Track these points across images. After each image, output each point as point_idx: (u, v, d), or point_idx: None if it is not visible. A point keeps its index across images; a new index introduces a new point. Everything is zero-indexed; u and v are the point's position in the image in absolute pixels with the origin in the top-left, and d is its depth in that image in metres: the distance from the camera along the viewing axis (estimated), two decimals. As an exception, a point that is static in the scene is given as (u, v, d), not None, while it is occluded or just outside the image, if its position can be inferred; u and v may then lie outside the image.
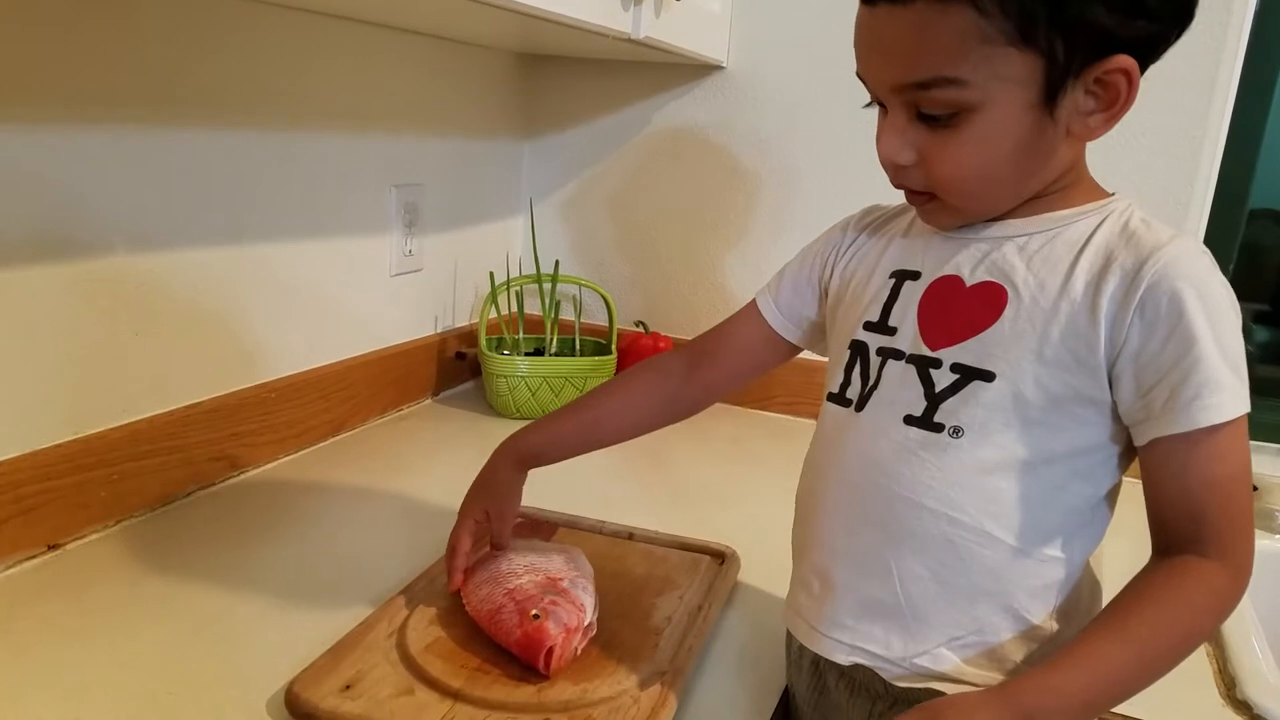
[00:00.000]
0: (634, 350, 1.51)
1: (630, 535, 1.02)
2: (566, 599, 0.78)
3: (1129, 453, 0.65)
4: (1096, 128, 0.61)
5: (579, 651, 0.76)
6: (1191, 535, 0.60)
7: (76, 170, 0.93)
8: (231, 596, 0.89)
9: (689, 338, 1.55)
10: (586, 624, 0.78)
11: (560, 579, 0.81)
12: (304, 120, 1.20)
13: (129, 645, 0.80)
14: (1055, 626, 0.66)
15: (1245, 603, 0.72)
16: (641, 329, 1.56)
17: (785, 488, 0.79)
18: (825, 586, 0.71)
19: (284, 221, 1.20)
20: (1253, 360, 1.65)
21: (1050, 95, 0.59)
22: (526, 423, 0.90)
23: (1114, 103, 0.60)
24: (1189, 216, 1.29)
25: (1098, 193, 0.67)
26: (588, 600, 0.80)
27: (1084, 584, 0.67)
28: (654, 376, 0.87)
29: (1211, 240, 1.35)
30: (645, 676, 0.76)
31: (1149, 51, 0.60)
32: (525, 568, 0.82)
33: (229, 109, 1.09)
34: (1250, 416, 0.60)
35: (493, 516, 0.87)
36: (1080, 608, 0.67)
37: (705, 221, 1.57)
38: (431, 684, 0.74)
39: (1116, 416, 0.63)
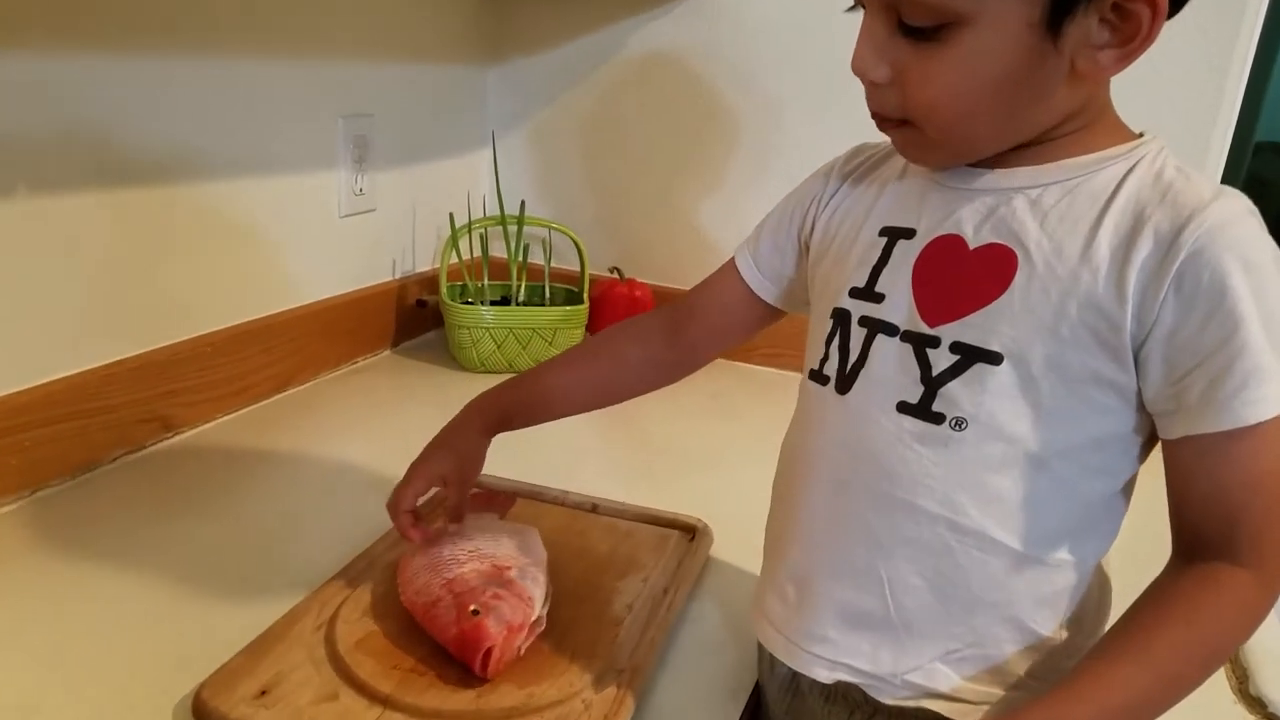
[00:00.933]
0: (608, 299, 1.41)
1: (594, 508, 0.94)
2: (512, 591, 0.69)
3: (1151, 441, 0.56)
4: (1107, 66, 0.51)
5: (522, 651, 0.68)
6: (1224, 539, 0.52)
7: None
8: (148, 578, 0.80)
9: (668, 285, 1.49)
10: (534, 619, 0.69)
11: (508, 568, 0.72)
12: (236, 45, 1.08)
13: (25, 636, 0.72)
14: (1064, 635, 0.58)
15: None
16: (616, 275, 1.46)
17: (767, 449, 0.70)
18: (803, 593, 0.63)
19: (217, 156, 1.09)
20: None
21: (1057, 16, 0.49)
22: (495, 379, 0.80)
23: (1133, 37, 0.50)
24: (1210, 153, 1.19)
25: (1124, 133, 0.57)
26: (537, 592, 0.71)
27: (1095, 586, 0.59)
28: (634, 338, 0.78)
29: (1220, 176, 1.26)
30: (600, 675, 0.68)
31: None
32: (469, 554, 0.73)
33: (148, 30, 0.98)
34: None
35: (451, 482, 0.77)
36: (1091, 613, 0.59)
37: (686, 159, 1.46)
38: (359, 688, 0.66)
39: (1142, 404, 0.54)
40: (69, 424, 0.94)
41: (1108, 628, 0.60)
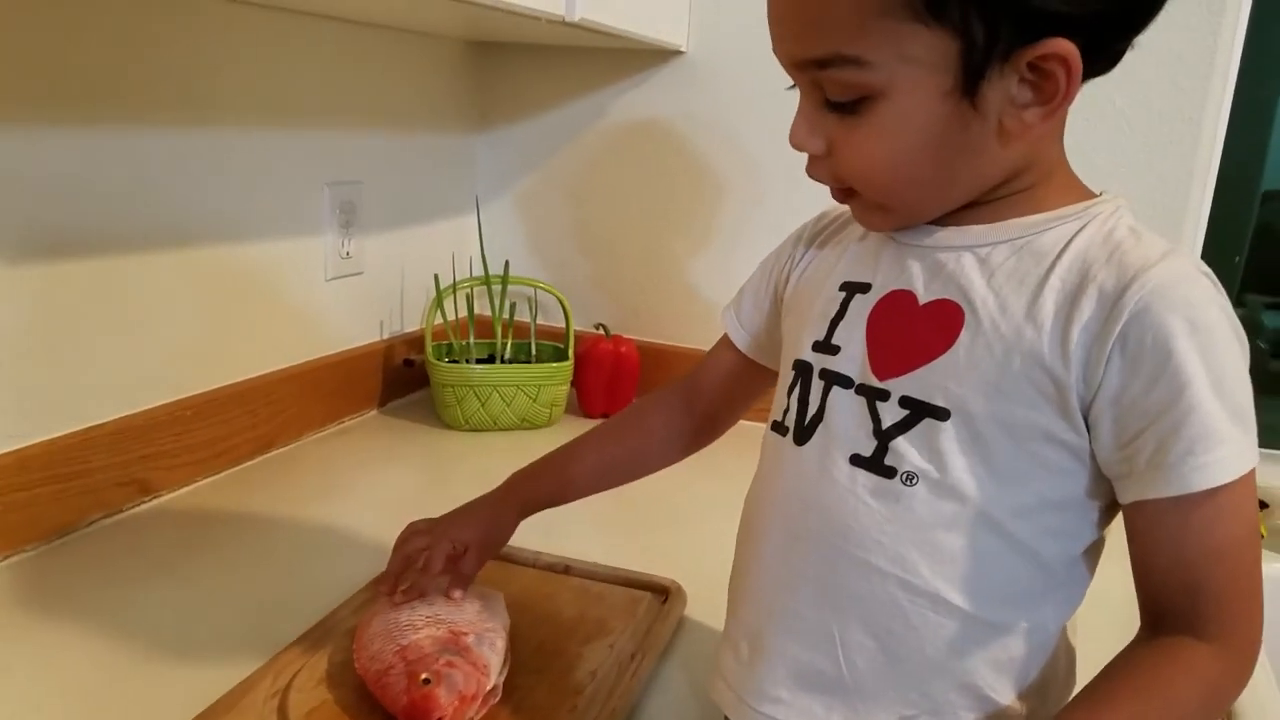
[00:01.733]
0: (593, 355, 1.41)
1: (567, 569, 0.93)
2: (467, 659, 0.68)
3: (1113, 506, 0.55)
4: (1033, 124, 0.52)
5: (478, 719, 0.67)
6: (1187, 610, 0.51)
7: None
8: (113, 644, 0.80)
9: (654, 341, 1.50)
10: (490, 688, 0.68)
11: (465, 634, 0.71)
12: (222, 115, 1.10)
13: (-17, 704, 0.72)
14: (1025, 707, 0.57)
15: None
16: (602, 332, 1.46)
17: None
18: (755, 650, 0.62)
19: (203, 221, 1.10)
20: (1263, 356, 1.55)
21: (971, 82, 0.50)
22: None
23: (1052, 95, 0.50)
24: (1189, 202, 1.18)
25: (1078, 193, 0.57)
26: (494, 659, 0.70)
27: (1058, 655, 0.58)
28: (657, 412, 0.80)
29: (1221, 225, 1.25)
30: (557, 747, 0.67)
31: (1095, 35, 0.50)
32: (427, 619, 0.73)
33: (143, 104, 1.00)
34: (1258, 419, 0.51)
35: (473, 547, 0.77)
36: (1055, 684, 0.58)
37: (668, 218, 1.47)
38: (308, 759, 0.65)
39: (1097, 465, 0.53)
40: (44, 489, 0.94)
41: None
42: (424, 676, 0.66)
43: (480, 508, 0.80)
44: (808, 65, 0.53)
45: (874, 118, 0.52)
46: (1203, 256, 1.25)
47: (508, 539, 0.80)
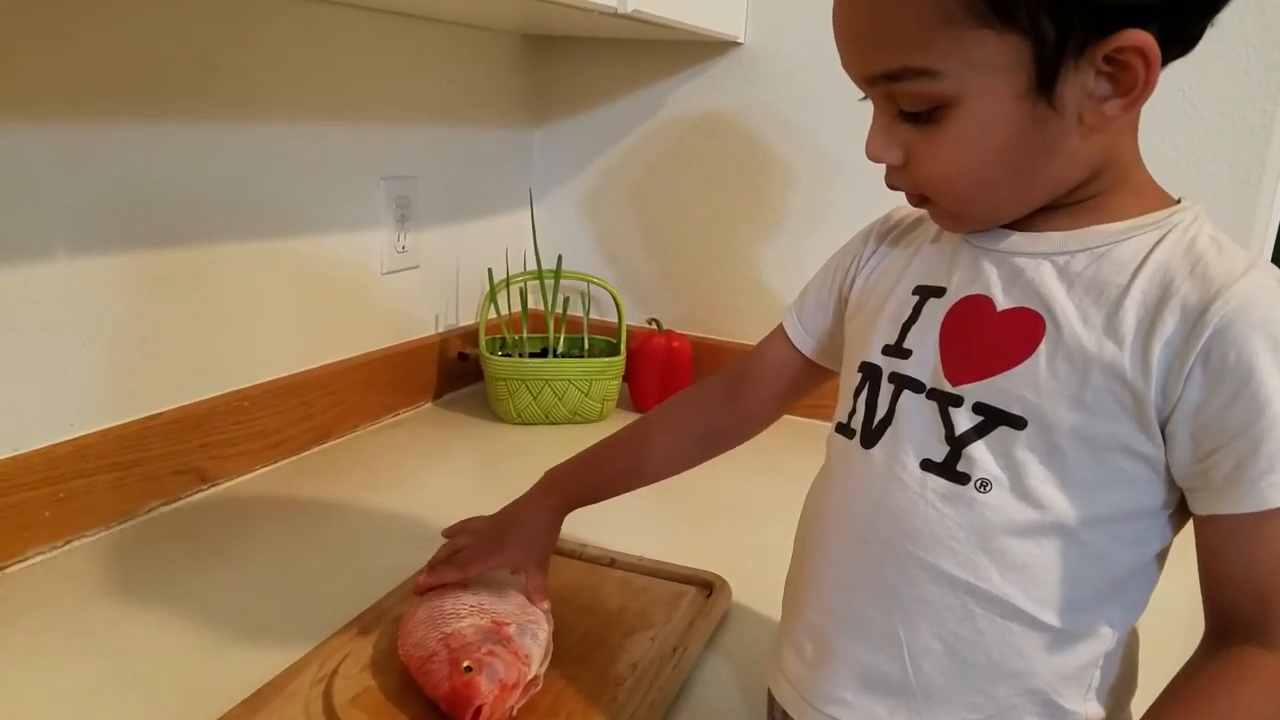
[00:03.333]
0: (645, 350, 1.41)
1: (612, 561, 0.92)
2: (509, 648, 0.68)
3: (1184, 512, 0.54)
4: (1114, 116, 0.50)
5: (515, 710, 0.67)
6: (1255, 620, 0.50)
7: (34, 167, 0.88)
8: (168, 628, 0.81)
9: (706, 337, 1.49)
10: (531, 678, 0.68)
11: (507, 624, 0.71)
12: (280, 111, 1.12)
13: (47, 680, 0.74)
14: (1091, 711, 0.56)
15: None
16: (655, 327, 1.45)
17: (799, 502, 0.68)
18: (821, 652, 0.61)
19: (260, 216, 1.12)
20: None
21: (1046, 82, 0.49)
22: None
23: (1132, 87, 0.49)
24: (1260, 193, 1.14)
25: (1157, 199, 0.55)
26: (535, 650, 0.70)
27: (1124, 658, 0.57)
28: (693, 408, 0.80)
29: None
30: (596, 737, 0.67)
31: (1172, 21, 0.49)
32: (471, 608, 0.73)
33: (203, 99, 1.02)
34: None
35: (530, 572, 0.79)
36: (1118, 689, 0.57)
37: (724, 213, 1.46)
38: (350, 744, 0.65)
39: (1171, 477, 0.52)
40: (104, 475, 0.97)
41: (1134, 703, 0.59)
42: (466, 664, 0.66)
43: (521, 525, 0.80)
44: (878, 80, 0.53)
45: (950, 125, 0.51)
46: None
47: (554, 538, 0.81)
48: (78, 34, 0.89)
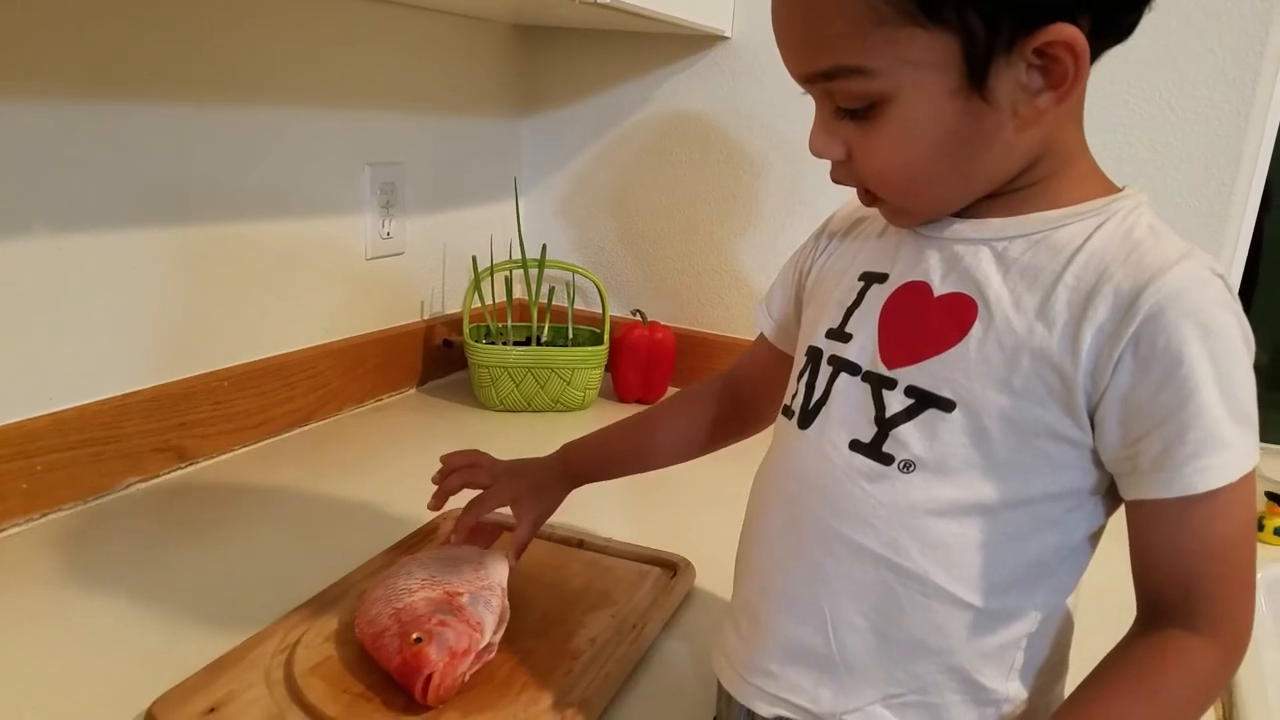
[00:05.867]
0: (629, 341, 1.42)
1: (580, 543, 0.93)
2: (460, 618, 0.69)
3: (1115, 496, 0.54)
4: (1046, 108, 0.51)
5: (466, 678, 0.68)
6: (1181, 604, 0.51)
7: (11, 147, 0.89)
8: (138, 601, 0.83)
9: (689, 328, 1.50)
10: (483, 645, 0.69)
11: (459, 594, 0.72)
12: (266, 95, 1.13)
13: (14, 650, 0.75)
14: (1013, 691, 0.56)
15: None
16: (639, 318, 1.47)
17: None
18: (752, 626, 0.62)
19: (244, 198, 1.13)
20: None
21: (977, 77, 0.50)
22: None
23: (1062, 80, 0.50)
24: (1234, 193, 1.15)
25: (1099, 186, 0.56)
26: (489, 617, 0.71)
27: (1050, 640, 0.57)
28: (703, 400, 0.82)
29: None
30: (549, 707, 0.68)
31: (1103, 13, 0.50)
32: (424, 582, 0.74)
33: (190, 84, 1.03)
34: (1261, 417, 0.51)
35: (524, 528, 0.81)
36: (1044, 672, 0.57)
37: (709, 206, 1.47)
38: (307, 710, 0.66)
39: (1100, 462, 0.53)
40: (82, 450, 0.98)
41: (1063, 689, 0.59)
42: (415, 636, 0.67)
43: (534, 476, 0.83)
44: (815, 79, 0.54)
45: (887, 122, 0.52)
46: (1250, 247, 1.21)
47: (555, 507, 0.83)
48: (61, 18, 0.91)
